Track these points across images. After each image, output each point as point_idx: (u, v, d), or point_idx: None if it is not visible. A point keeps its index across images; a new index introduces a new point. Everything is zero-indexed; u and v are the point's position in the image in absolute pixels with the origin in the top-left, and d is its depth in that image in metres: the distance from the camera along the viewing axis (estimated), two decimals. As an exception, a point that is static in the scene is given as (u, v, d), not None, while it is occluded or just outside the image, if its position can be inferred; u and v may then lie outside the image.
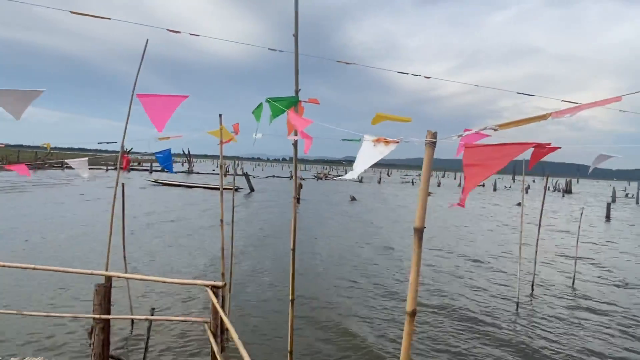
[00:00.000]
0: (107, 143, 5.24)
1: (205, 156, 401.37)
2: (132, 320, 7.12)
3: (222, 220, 5.06)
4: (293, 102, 3.67)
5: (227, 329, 4.62)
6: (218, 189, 30.99)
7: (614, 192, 55.00)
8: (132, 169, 65.79)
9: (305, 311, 8.43)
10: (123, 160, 5.25)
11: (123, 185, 7.43)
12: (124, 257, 6.78)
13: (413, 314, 2.11)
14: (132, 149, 12.23)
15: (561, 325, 8.45)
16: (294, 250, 3.22)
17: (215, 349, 4.26)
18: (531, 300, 9.99)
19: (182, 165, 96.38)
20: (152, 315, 5.28)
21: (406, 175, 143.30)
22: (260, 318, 7.95)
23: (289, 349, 3.51)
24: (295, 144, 3.71)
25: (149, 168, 66.34)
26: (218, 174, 63.97)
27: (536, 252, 10.85)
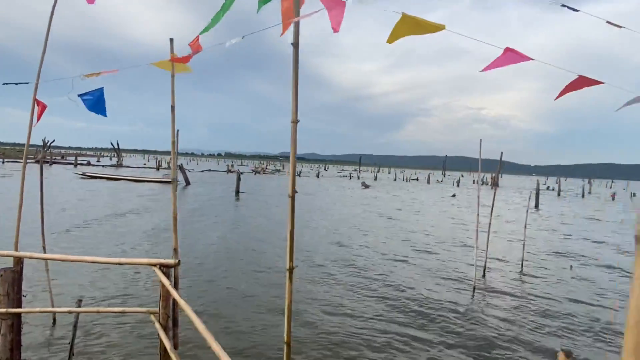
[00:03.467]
0: (16, 84, 4.03)
1: (136, 151, 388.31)
2: (54, 314, 5.85)
3: (174, 180, 4.07)
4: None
5: (178, 321, 3.67)
6: (158, 181, 28.77)
7: (538, 184, 58.29)
8: (55, 162, 60.69)
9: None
10: (38, 107, 4.05)
11: (44, 148, 6.15)
12: (42, 234, 5.50)
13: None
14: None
15: (516, 305, 8.18)
16: (293, 197, 2.38)
17: (167, 345, 3.28)
18: (485, 284, 9.72)
19: (110, 159, 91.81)
20: (79, 307, 4.17)
21: (342, 170, 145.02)
22: (224, 305, 6.97)
23: (285, 339, 2.62)
24: (295, 50, 2.50)
25: (73, 161, 61.41)
26: (151, 167, 60.66)
27: (488, 238, 10.56)
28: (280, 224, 16.59)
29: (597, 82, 2.21)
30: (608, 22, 2.40)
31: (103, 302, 6.82)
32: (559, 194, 54.12)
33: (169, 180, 36.23)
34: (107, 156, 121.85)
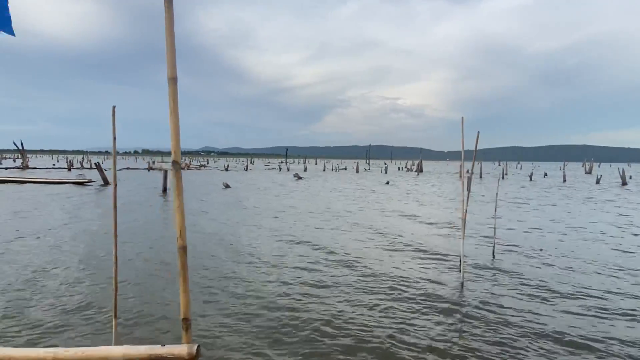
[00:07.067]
0: None
1: (42, 151, 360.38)
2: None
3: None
4: None
5: None
6: (73, 183, 25.62)
7: (460, 170, 60.77)
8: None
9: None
10: None
11: None
12: None
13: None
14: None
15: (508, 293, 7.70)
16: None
17: None
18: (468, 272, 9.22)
19: (14, 161, 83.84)
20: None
21: (269, 162, 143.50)
22: None
23: None
24: None
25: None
26: (62, 168, 55.57)
27: (464, 224, 10.05)
28: (221, 224, 15.25)
29: None
30: None
31: None
32: (480, 177, 56.51)
33: (85, 180, 32.82)
34: (9, 158, 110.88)
